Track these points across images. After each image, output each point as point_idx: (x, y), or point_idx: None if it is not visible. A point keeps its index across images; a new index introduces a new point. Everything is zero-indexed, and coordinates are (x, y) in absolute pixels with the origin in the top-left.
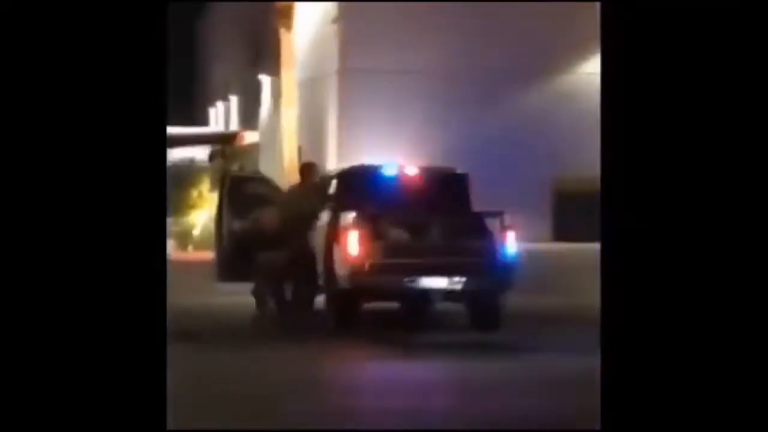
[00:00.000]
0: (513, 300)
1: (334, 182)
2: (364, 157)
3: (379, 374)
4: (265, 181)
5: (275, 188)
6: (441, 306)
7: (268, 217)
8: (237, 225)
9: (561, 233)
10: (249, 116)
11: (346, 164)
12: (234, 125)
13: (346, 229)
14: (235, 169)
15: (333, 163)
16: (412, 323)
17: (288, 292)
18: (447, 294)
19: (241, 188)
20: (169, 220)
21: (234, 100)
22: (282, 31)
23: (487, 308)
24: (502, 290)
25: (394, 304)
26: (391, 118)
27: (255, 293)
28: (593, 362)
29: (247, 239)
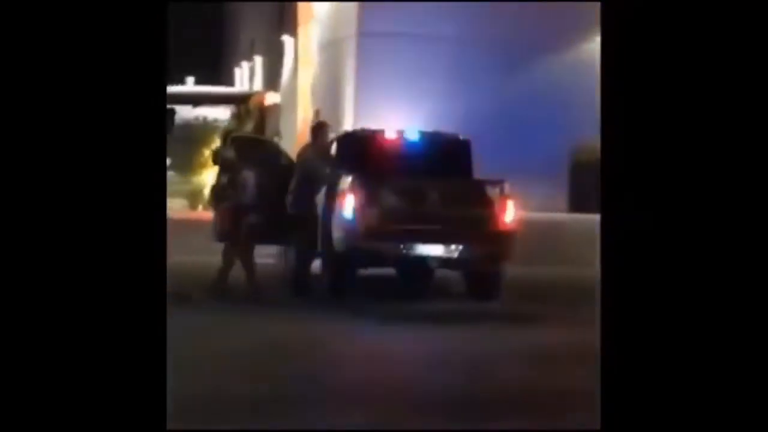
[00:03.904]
0: (519, 270)
1: (334, 145)
2: (381, 120)
3: (356, 342)
4: (265, 142)
5: (277, 150)
6: (441, 274)
7: (248, 180)
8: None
9: (578, 204)
10: (273, 77)
11: (359, 127)
12: (258, 86)
13: (343, 192)
14: (248, 130)
15: (349, 126)
16: (408, 290)
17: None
18: (443, 261)
19: (238, 149)
20: (182, 179)
21: (258, 60)
22: None
23: (485, 277)
24: (500, 259)
25: (392, 271)
26: (408, 83)
27: (223, 255)
28: (585, 335)
29: (231, 201)
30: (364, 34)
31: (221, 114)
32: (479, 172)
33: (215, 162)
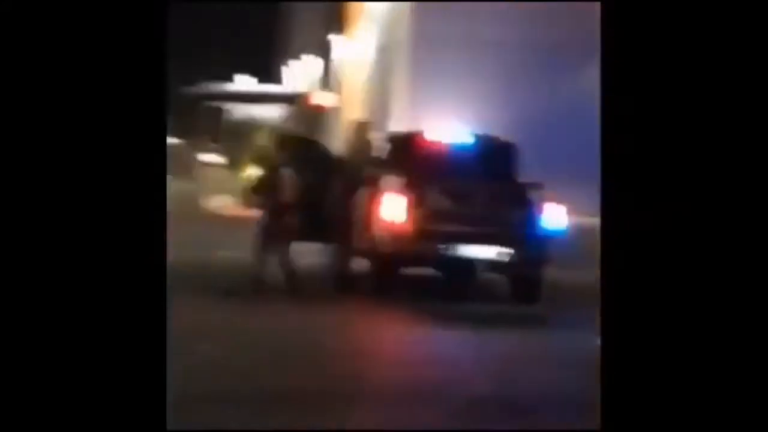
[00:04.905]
0: (561, 274)
1: (383, 145)
2: (431, 121)
3: (393, 341)
4: (311, 142)
5: (323, 150)
6: (483, 275)
7: (290, 178)
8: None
9: None
10: (324, 77)
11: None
12: (309, 86)
13: (388, 193)
14: (300, 130)
15: (399, 127)
16: (450, 291)
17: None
18: (490, 264)
19: (283, 148)
20: (234, 176)
21: (308, 60)
22: None
23: (527, 280)
24: (540, 263)
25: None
26: (459, 87)
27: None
28: None
29: (271, 199)
30: (417, 38)
31: (272, 112)
32: (532, 175)
33: (259, 160)
